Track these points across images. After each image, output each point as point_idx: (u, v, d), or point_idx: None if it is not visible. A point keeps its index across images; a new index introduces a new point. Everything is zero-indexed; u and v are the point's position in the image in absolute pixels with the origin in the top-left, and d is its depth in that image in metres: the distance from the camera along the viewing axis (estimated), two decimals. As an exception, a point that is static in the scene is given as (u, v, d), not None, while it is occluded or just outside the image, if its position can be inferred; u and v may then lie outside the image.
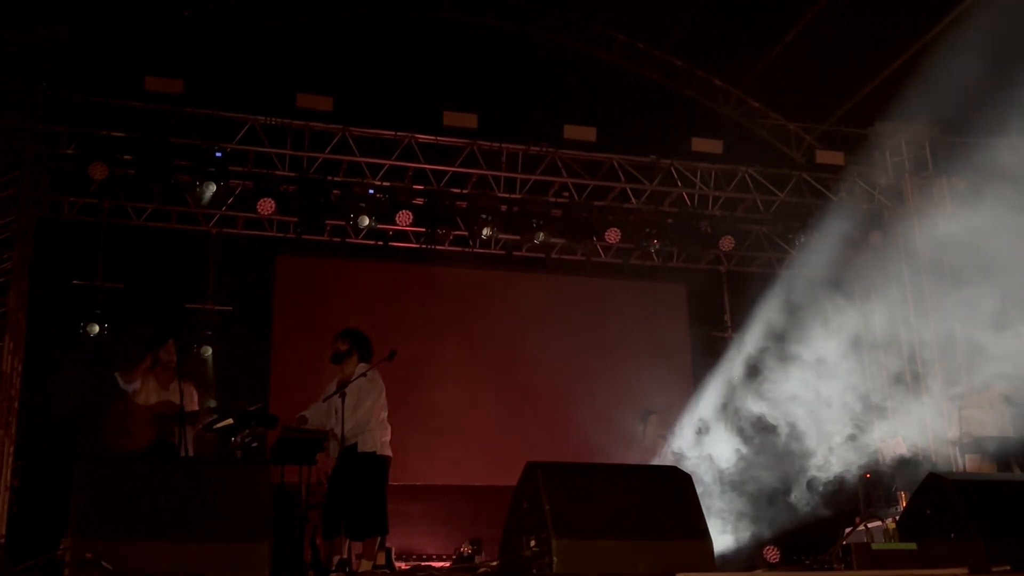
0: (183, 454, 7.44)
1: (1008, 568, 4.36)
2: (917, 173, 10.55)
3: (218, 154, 9.91)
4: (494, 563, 5.45)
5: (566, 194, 11.18)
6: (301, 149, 10.31)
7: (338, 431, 7.73)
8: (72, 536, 4.16)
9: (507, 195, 11.00)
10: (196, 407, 7.97)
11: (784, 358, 7.87)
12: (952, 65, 7.46)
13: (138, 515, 4.30)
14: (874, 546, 4.51)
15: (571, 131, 10.73)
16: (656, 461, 7.78)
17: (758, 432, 7.63)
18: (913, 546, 4.42)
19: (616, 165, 11.16)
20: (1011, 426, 7.83)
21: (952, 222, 8.36)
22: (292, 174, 10.29)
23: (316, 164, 10.37)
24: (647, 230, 11.34)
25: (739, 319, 11.17)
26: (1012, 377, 7.33)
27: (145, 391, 7.85)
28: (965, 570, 4.21)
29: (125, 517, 4.28)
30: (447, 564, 9.18)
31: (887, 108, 9.95)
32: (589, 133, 10.71)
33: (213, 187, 9.92)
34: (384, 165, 10.56)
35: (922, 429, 8.98)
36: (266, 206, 10.10)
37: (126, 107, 9.72)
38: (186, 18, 10.30)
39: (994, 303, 7.08)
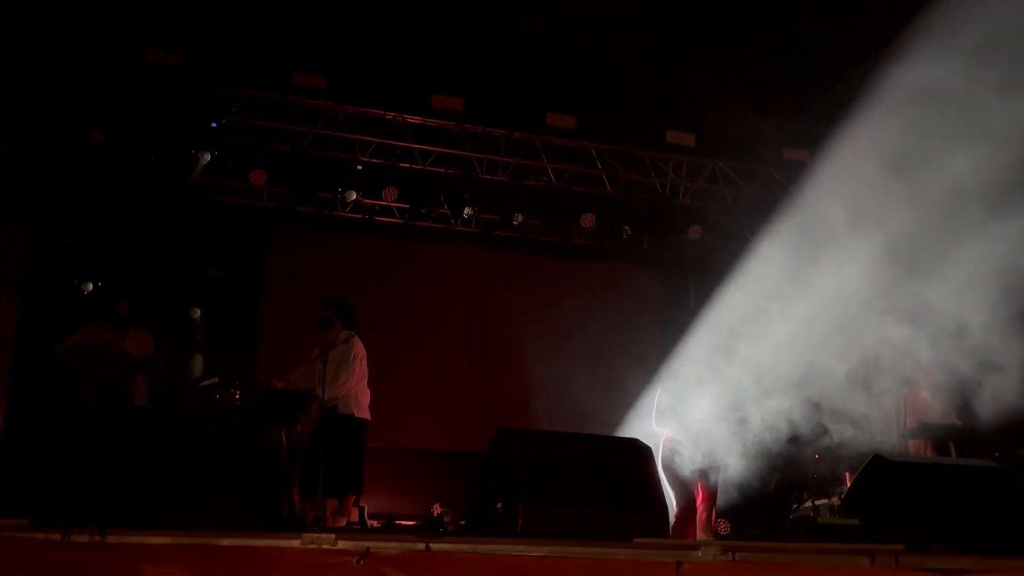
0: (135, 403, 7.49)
1: (943, 546, 4.43)
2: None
3: (213, 124, 9.84)
4: (462, 522, 5.49)
5: (545, 179, 11.19)
6: (294, 124, 10.26)
7: (320, 394, 7.75)
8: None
9: (489, 177, 11.00)
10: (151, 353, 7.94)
11: (739, 339, 7.89)
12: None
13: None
14: (820, 520, 4.57)
15: (552, 119, 10.75)
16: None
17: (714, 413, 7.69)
18: (855, 522, 4.49)
19: (593, 153, 11.19)
20: (953, 412, 7.92)
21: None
22: (285, 147, 10.25)
23: (308, 139, 10.32)
24: (620, 216, 11.43)
25: (703, 305, 11.22)
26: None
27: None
28: (902, 547, 4.26)
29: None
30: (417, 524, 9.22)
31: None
32: (569, 121, 10.73)
33: (207, 156, 9.85)
34: (373, 143, 10.53)
35: (871, 415, 9.10)
36: (258, 177, 10.06)
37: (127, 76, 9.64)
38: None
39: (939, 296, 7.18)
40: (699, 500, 7.57)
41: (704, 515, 7.55)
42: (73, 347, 7.66)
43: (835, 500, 5.02)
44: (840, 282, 7.85)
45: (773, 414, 7.50)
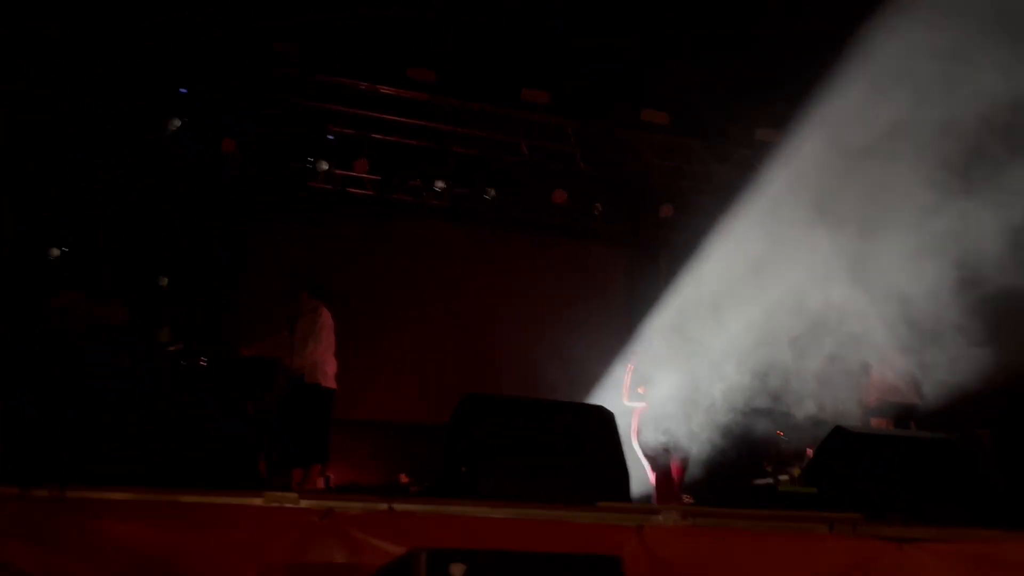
0: None
1: (899, 516, 4.50)
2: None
3: (183, 90, 9.71)
4: (422, 486, 5.51)
5: (518, 154, 11.16)
6: (267, 92, 10.15)
7: (287, 363, 7.75)
8: None
9: (462, 150, 10.96)
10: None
11: (706, 318, 7.98)
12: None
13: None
14: (780, 488, 4.63)
15: (527, 94, 10.72)
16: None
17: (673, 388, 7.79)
18: (814, 490, 4.55)
19: (568, 130, 11.17)
20: (914, 392, 8.03)
21: None
22: (258, 114, 10.15)
23: (278, 107, 10.22)
24: (593, 193, 11.46)
25: (673, 283, 11.27)
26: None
27: None
28: (860, 516, 4.32)
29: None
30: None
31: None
32: (543, 96, 10.70)
33: (177, 122, 9.73)
34: (345, 113, 10.44)
35: (834, 393, 9.21)
36: (228, 144, 9.97)
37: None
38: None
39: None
40: (674, 472, 7.66)
41: (680, 483, 7.64)
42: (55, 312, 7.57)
43: (795, 471, 5.08)
44: (805, 263, 7.93)
45: (737, 391, 7.60)
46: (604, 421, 4.75)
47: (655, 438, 7.63)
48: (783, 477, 6.75)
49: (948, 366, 7.35)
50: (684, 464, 7.72)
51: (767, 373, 7.73)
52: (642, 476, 7.75)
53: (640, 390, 7.91)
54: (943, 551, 4.22)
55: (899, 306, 7.34)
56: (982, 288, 6.82)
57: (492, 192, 11.18)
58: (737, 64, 10.18)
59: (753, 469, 7.63)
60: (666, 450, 7.60)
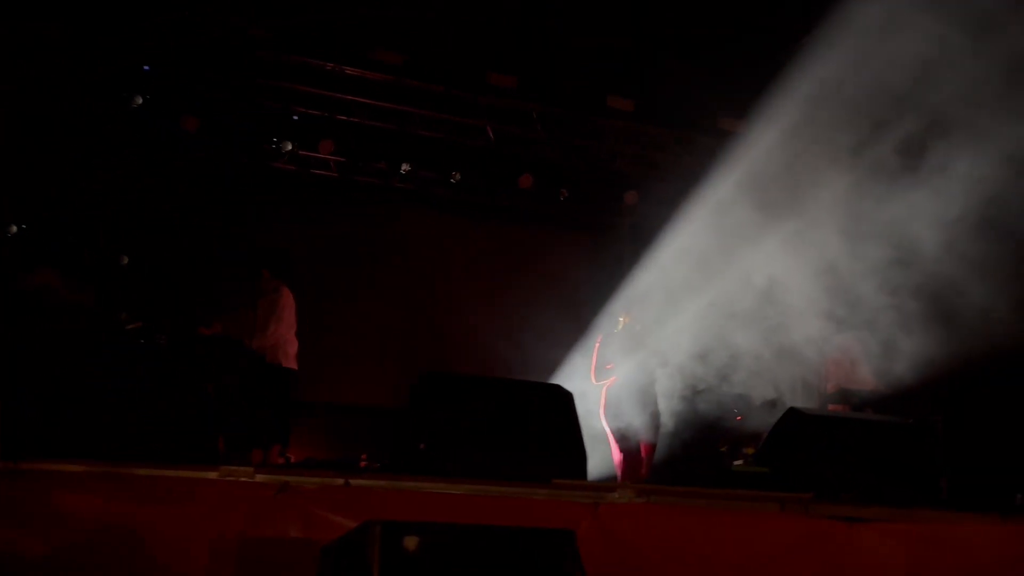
0: None
1: (851, 495, 4.58)
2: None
3: (146, 68, 9.60)
4: (382, 463, 5.53)
5: (484, 138, 11.16)
6: (232, 71, 10.05)
7: (248, 343, 7.71)
8: None
9: (428, 134, 10.93)
10: None
11: (667, 303, 8.05)
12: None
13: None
14: (733, 468, 4.69)
15: (493, 78, 10.70)
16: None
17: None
18: (766, 470, 4.62)
19: (534, 115, 11.17)
20: (872, 379, 8.14)
21: None
22: (222, 94, 10.06)
23: (242, 86, 10.13)
24: (558, 179, 11.50)
25: (636, 269, 11.33)
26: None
27: None
28: (812, 495, 4.40)
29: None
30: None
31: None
32: (510, 81, 10.69)
33: (139, 99, 9.61)
34: (311, 94, 10.37)
35: (791, 379, 9.34)
36: (191, 123, 9.87)
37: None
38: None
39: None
40: (642, 450, 7.69)
41: (648, 462, 7.67)
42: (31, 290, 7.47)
43: (749, 451, 5.15)
44: (763, 250, 8.03)
45: (693, 374, 7.69)
46: (562, 400, 4.78)
47: (622, 416, 7.65)
48: (737, 461, 6.84)
49: (903, 353, 7.48)
50: (652, 444, 7.74)
51: (723, 356, 7.82)
52: (608, 455, 7.80)
53: (608, 367, 7.92)
54: (891, 530, 4.30)
55: (856, 293, 7.46)
56: (936, 275, 6.95)
57: (458, 176, 11.18)
58: (702, 53, 10.23)
59: (709, 450, 7.72)
60: (633, 429, 7.61)
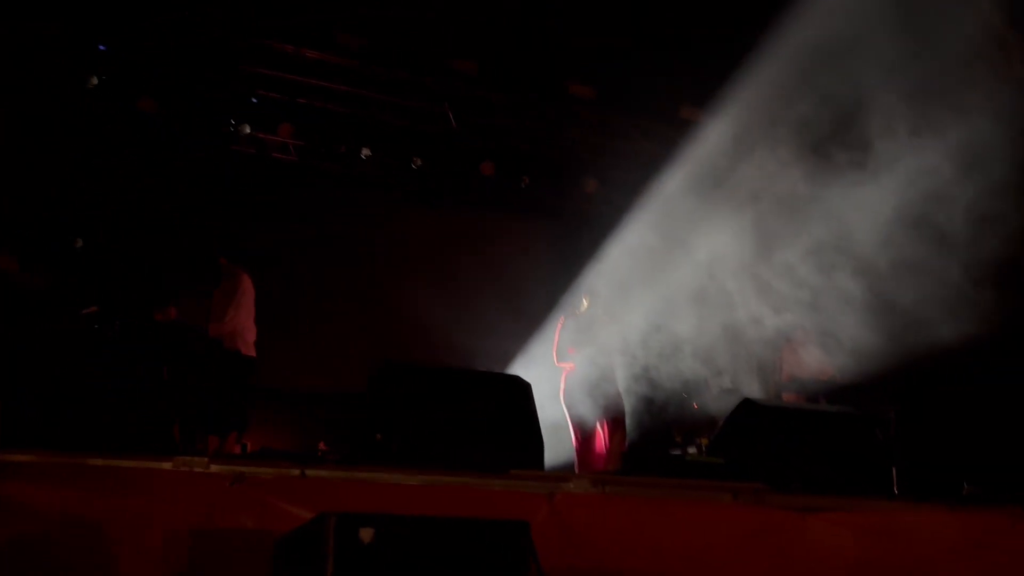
0: None
1: (800, 484, 4.65)
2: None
3: (102, 47, 9.44)
4: (340, 454, 5.52)
5: (445, 124, 11.13)
6: (190, 53, 9.91)
7: (205, 329, 7.65)
8: None
9: (389, 119, 10.88)
10: None
11: (625, 291, 8.11)
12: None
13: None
14: (687, 459, 4.75)
15: (456, 64, 10.67)
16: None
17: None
18: (720, 460, 4.68)
19: (495, 101, 11.15)
20: (827, 369, 8.27)
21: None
22: (181, 76, 9.93)
23: (203, 68, 10.00)
24: (519, 166, 11.51)
25: (596, 257, 11.39)
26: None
27: None
28: (764, 485, 4.46)
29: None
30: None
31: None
32: (472, 67, 10.67)
33: (95, 80, 9.46)
34: (271, 76, 10.27)
35: (748, 368, 9.46)
36: (149, 104, 9.75)
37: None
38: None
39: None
40: (603, 434, 7.70)
41: (614, 447, 7.65)
42: None
43: (703, 442, 5.22)
44: (722, 239, 8.12)
45: (652, 364, 7.75)
46: (520, 391, 4.81)
47: (581, 401, 7.64)
48: (691, 448, 6.92)
49: (857, 343, 7.60)
50: (614, 424, 7.69)
51: (679, 344, 7.89)
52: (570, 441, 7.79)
53: (569, 350, 7.89)
54: (843, 520, 4.38)
55: (811, 283, 7.56)
56: (891, 267, 7.06)
57: (419, 161, 11.16)
58: (663, 41, 10.27)
59: (664, 440, 7.80)
60: (599, 409, 7.58)
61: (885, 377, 7.60)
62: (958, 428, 5.53)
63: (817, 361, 8.40)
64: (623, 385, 7.93)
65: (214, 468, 3.77)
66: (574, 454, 7.78)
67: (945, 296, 6.93)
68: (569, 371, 7.85)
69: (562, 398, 7.81)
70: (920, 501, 4.76)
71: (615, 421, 7.72)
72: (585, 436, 7.71)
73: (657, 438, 7.66)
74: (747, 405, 5.11)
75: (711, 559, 4.14)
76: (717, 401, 8.35)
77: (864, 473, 5.22)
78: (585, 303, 8.19)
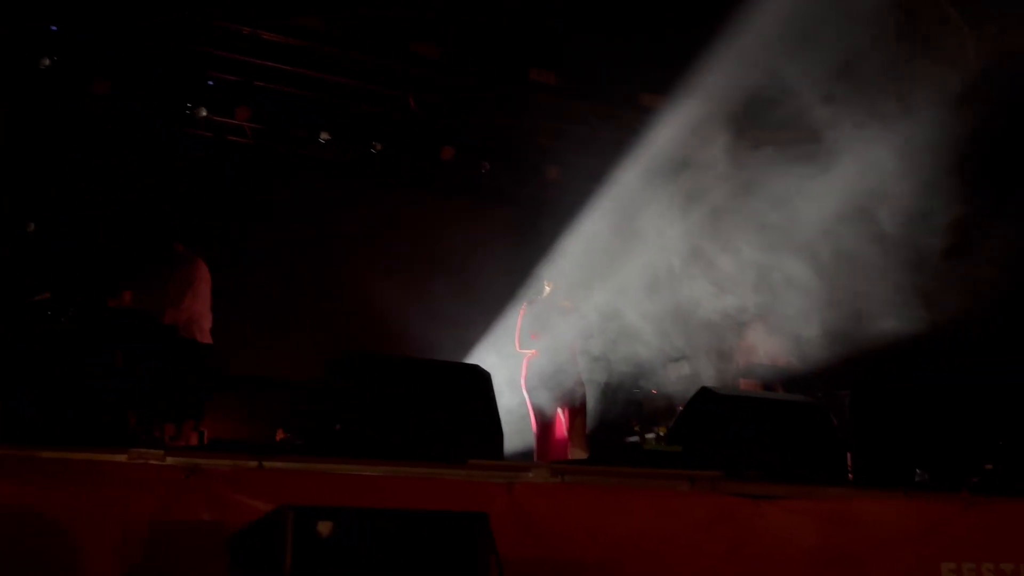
0: None
1: (758, 474, 4.73)
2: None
3: (53, 28, 9.26)
4: (299, 442, 5.50)
5: (406, 109, 11.07)
6: (144, 33, 9.74)
7: (160, 316, 7.56)
8: None
9: (349, 103, 10.79)
10: None
11: (586, 278, 8.14)
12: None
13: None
14: (645, 446, 4.79)
15: (416, 47, 10.61)
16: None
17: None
18: (679, 448, 4.74)
19: (456, 86, 11.11)
20: (784, 354, 8.37)
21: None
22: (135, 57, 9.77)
23: (157, 49, 9.84)
24: (480, 152, 11.49)
25: (556, 244, 11.42)
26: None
27: None
28: (721, 473, 4.53)
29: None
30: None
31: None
32: (433, 51, 10.61)
33: (47, 61, 9.28)
34: (227, 58, 10.14)
35: (706, 354, 9.56)
36: (102, 86, 9.58)
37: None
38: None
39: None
40: (563, 421, 7.70)
41: (574, 433, 7.63)
42: None
43: (661, 430, 5.28)
44: (680, 226, 8.18)
45: (610, 350, 7.80)
46: (479, 380, 4.82)
47: (543, 387, 7.62)
48: (649, 434, 6.97)
49: (813, 330, 7.71)
50: (575, 410, 7.68)
51: (637, 330, 7.94)
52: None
53: (532, 336, 7.87)
54: (797, 507, 4.47)
55: (766, 271, 7.65)
56: (844, 254, 7.17)
57: (378, 146, 11.08)
58: (624, 27, 10.29)
59: (622, 428, 7.86)
60: (561, 396, 7.57)
61: (839, 364, 7.73)
62: (910, 415, 5.65)
63: (773, 348, 8.51)
64: (585, 371, 7.95)
65: (170, 460, 3.74)
66: (533, 441, 7.78)
67: (896, 285, 7.06)
68: (531, 358, 7.84)
69: (524, 385, 7.80)
70: (874, 488, 4.87)
71: (575, 407, 7.74)
72: (546, 423, 7.69)
73: (615, 426, 7.71)
74: (704, 393, 5.17)
75: (669, 547, 4.21)
76: (675, 387, 8.41)
77: (820, 460, 5.32)
78: (547, 289, 8.19)
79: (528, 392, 7.76)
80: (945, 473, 5.39)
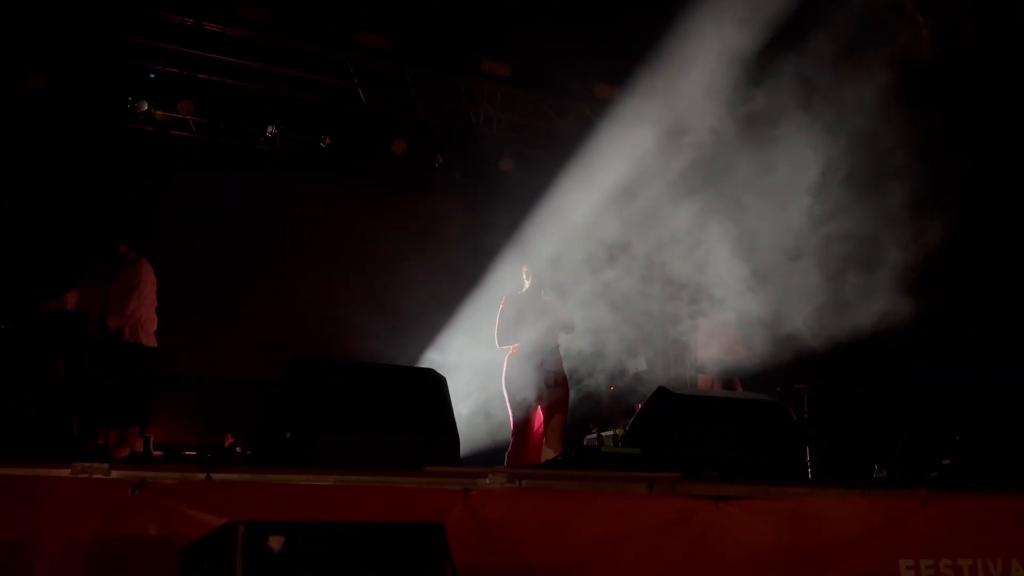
0: None
1: (716, 474, 4.79)
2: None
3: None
4: (248, 452, 5.48)
5: (355, 101, 11.01)
6: (83, 23, 9.59)
7: (103, 319, 7.46)
8: None
9: (295, 95, 10.71)
10: None
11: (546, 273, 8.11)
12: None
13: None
14: (603, 449, 4.83)
15: (365, 37, 10.54)
16: None
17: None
18: (637, 451, 4.78)
19: (407, 77, 11.07)
20: (742, 349, 8.46)
21: None
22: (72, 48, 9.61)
23: (96, 41, 9.69)
24: (432, 145, 11.48)
25: (513, 239, 11.44)
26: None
27: None
28: (680, 475, 4.58)
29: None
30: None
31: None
32: (383, 41, 10.56)
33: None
34: (169, 50, 10.01)
35: (664, 349, 9.66)
36: (37, 79, 9.42)
37: None
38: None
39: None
40: (539, 420, 7.60)
41: (551, 433, 7.53)
42: None
43: (619, 431, 5.32)
44: (639, 220, 8.24)
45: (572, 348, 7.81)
46: (434, 384, 4.83)
47: (523, 384, 7.49)
48: (607, 433, 7.00)
49: (773, 325, 7.81)
50: (552, 413, 7.58)
51: (594, 330, 7.97)
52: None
53: (511, 332, 7.71)
54: (756, 507, 4.54)
55: (727, 264, 7.74)
56: (804, 248, 7.28)
57: (328, 140, 11.02)
58: (579, 15, 10.32)
59: (578, 427, 7.86)
60: (532, 398, 7.47)
61: (798, 358, 7.84)
62: (868, 411, 5.76)
63: (732, 342, 8.60)
64: (567, 367, 7.81)
65: (115, 474, 3.70)
66: (510, 439, 7.61)
67: (859, 279, 7.17)
68: (512, 355, 7.68)
69: (504, 383, 7.63)
70: (832, 486, 4.95)
71: (556, 404, 7.56)
72: (524, 421, 7.52)
73: (572, 426, 7.68)
74: (662, 393, 5.22)
75: (628, 550, 4.25)
76: (632, 384, 8.48)
77: (780, 458, 5.40)
78: (527, 282, 8.01)
79: (507, 390, 7.60)
80: (903, 469, 5.51)
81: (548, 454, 7.30)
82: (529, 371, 7.47)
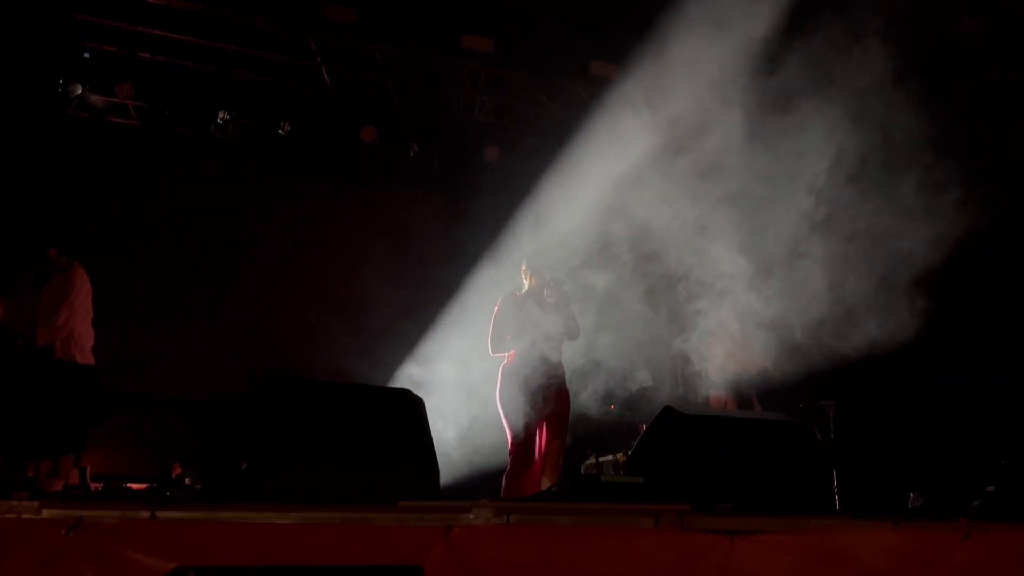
0: None
1: (731, 505, 4.79)
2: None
3: None
4: (198, 486, 5.46)
5: (319, 83, 11.01)
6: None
7: (31, 334, 7.43)
8: None
9: (251, 76, 10.71)
10: None
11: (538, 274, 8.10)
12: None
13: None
14: (603, 478, 4.83)
15: (329, 11, 10.52)
16: None
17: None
18: (640, 480, 4.78)
19: (378, 56, 11.07)
20: (759, 363, 8.48)
21: None
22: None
23: (23, 18, 9.68)
24: (407, 131, 11.48)
25: (499, 237, 11.45)
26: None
27: None
28: (689, 507, 4.58)
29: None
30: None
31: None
32: (349, 16, 10.54)
33: None
34: (105, 26, 9.99)
35: (671, 362, 9.66)
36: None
37: None
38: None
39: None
40: (541, 438, 7.53)
41: (551, 455, 7.45)
42: None
43: (620, 456, 5.31)
44: (647, 214, 8.24)
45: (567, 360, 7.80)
46: (410, 407, 4.82)
47: (521, 398, 7.40)
48: (605, 458, 7.00)
49: (794, 336, 7.83)
50: (553, 433, 7.49)
51: (592, 340, 7.97)
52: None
53: (508, 336, 7.63)
54: (777, 543, 4.53)
55: (742, 269, 7.76)
56: (821, 255, 7.31)
57: (287, 127, 11.02)
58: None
59: (574, 453, 7.83)
60: (529, 413, 7.39)
61: (822, 371, 7.85)
62: (901, 430, 5.77)
63: (745, 355, 8.61)
64: (571, 379, 7.73)
65: (46, 513, 3.68)
66: (508, 460, 7.53)
67: (884, 285, 7.20)
68: (507, 364, 7.60)
69: (498, 395, 7.55)
70: (862, 516, 4.95)
71: (554, 424, 7.46)
72: (524, 440, 7.43)
73: (567, 451, 7.63)
74: (668, 413, 5.22)
75: (631, 594, 4.24)
76: (636, 401, 8.48)
77: (803, 486, 5.39)
78: (527, 282, 7.93)
79: (502, 404, 7.51)
80: (941, 496, 5.52)
81: (543, 483, 7.24)
82: (527, 383, 7.38)
